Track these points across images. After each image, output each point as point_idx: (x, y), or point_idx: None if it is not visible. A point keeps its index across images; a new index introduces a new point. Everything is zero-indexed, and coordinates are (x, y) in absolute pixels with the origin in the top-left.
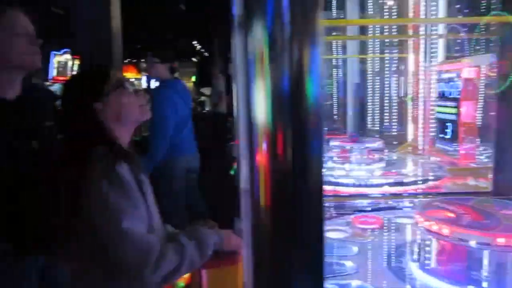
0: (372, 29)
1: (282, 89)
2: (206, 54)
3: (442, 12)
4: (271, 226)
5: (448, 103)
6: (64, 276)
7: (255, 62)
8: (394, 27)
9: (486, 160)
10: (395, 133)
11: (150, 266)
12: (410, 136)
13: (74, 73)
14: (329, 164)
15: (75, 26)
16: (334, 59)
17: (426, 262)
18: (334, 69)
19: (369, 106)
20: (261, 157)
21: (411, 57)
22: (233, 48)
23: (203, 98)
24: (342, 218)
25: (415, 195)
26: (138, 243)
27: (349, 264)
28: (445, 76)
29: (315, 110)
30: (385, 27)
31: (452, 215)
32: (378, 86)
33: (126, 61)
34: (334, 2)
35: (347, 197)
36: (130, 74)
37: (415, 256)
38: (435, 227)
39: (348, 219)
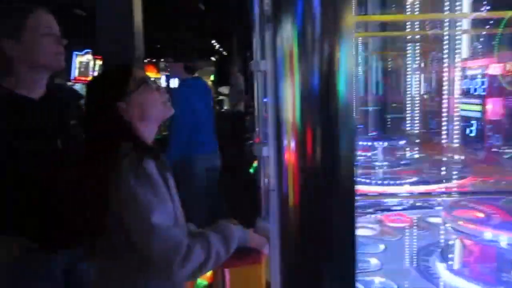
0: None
1: (311, 87)
2: (224, 53)
3: (466, 7)
4: (300, 226)
5: (473, 100)
6: (89, 273)
7: (284, 60)
8: (417, 23)
9: None
10: (418, 131)
11: (179, 260)
12: (433, 135)
13: (95, 73)
14: None
15: (97, 27)
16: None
17: (453, 262)
18: (354, 67)
19: (390, 104)
20: (290, 156)
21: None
22: (256, 45)
23: (221, 97)
24: (365, 217)
25: (441, 194)
26: (167, 237)
27: (374, 261)
28: (470, 73)
29: (346, 108)
30: (407, 23)
31: (481, 215)
32: (399, 84)
33: (145, 60)
34: None
35: (374, 196)
36: (150, 74)
37: (442, 256)
38: (463, 227)
39: (375, 217)
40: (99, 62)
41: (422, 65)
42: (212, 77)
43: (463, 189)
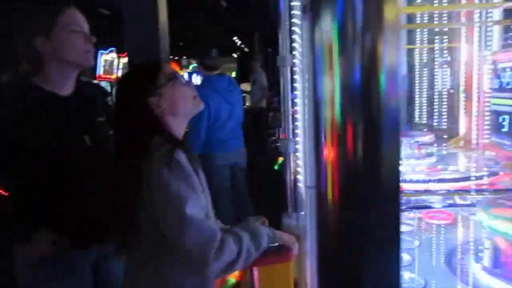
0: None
1: (352, 82)
2: (246, 49)
3: None
4: (339, 225)
5: (505, 94)
6: (117, 269)
7: (323, 54)
8: (445, 15)
9: None
10: (445, 127)
11: (213, 252)
12: (462, 130)
13: (120, 71)
14: None
15: (124, 25)
16: None
17: (487, 261)
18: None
19: (416, 99)
20: (329, 153)
21: (463, 47)
22: (282, 40)
23: (243, 94)
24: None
25: (474, 191)
26: (201, 229)
27: (406, 257)
28: (501, 65)
29: (389, 104)
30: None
31: None
32: (426, 78)
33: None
34: None
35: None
36: None
37: (476, 255)
38: (501, 226)
39: (411, 213)
40: (123, 60)
41: (449, 58)
42: (233, 74)
43: (495, 187)
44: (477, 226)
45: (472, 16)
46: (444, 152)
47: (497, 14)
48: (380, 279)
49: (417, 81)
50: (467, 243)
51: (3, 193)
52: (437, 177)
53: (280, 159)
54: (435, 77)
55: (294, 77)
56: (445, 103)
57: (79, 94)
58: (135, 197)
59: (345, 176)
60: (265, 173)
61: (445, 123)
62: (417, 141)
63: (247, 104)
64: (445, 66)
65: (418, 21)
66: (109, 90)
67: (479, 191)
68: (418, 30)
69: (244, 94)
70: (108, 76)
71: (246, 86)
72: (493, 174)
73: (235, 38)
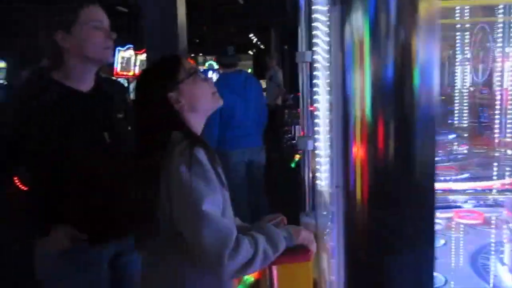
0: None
1: (384, 79)
2: (262, 46)
3: None
4: (369, 224)
5: None
6: (135, 264)
7: (353, 50)
8: (466, 9)
9: None
10: (466, 125)
11: (229, 251)
12: (483, 128)
13: (137, 68)
14: None
15: (143, 22)
16: None
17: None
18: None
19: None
20: (358, 152)
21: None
22: (301, 37)
23: None
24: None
25: (500, 191)
26: (217, 227)
27: None
28: None
29: (424, 102)
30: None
31: None
32: (446, 75)
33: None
34: None
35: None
36: None
37: (500, 255)
38: None
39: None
40: (140, 57)
41: (469, 55)
42: (249, 71)
43: None
44: (504, 227)
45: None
46: (465, 151)
47: None
48: (412, 281)
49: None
50: (493, 243)
51: (23, 187)
52: (459, 176)
53: (297, 157)
54: (456, 74)
55: (314, 73)
56: (466, 101)
57: (99, 90)
58: (153, 193)
59: (375, 175)
60: (281, 171)
61: (466, 122)
62: (438, 140)
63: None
64: (466, 63)
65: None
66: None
67: (502, 191)
68: None
69: None
70: (125, 73)
71: (261, 83)
72: None
73: (251, 35)
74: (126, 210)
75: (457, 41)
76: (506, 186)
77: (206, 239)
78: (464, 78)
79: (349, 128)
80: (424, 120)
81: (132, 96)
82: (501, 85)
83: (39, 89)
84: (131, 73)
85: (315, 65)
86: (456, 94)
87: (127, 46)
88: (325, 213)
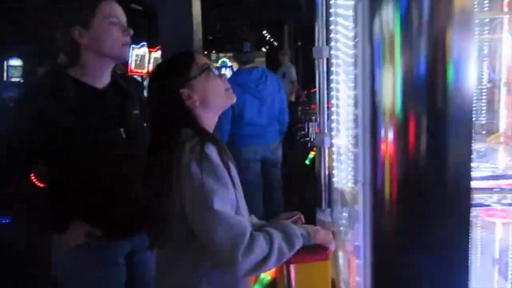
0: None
1: (417, 74)
2: (275, 43)
3: None
4: (398, 225)
5: None
6: (146, 263)
7: (383, 45)
8: (486, 3)
9: None
10: (484, 122)
11: (242, 249)
12: (502, 125)
13: (151, 65)
14: None
15: (158, 19)
16: None
17: None
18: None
19: None
20: (387, 148)
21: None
22: (318, 32)
23: None
24: None
25: None
26: (229, 225)
27: None
28: None
29: (458, 99)
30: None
31: None
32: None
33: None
34: None
35: None
36: None
37: None
38: None
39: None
40: (154, 55)
41: (486, 51)
42: None
43: None
44: None
45: None
46: (483, 148)
47: None
48: (445, 282)
49: None
50: None
51: (40, 184)
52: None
53: (312, 154)
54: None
55: (332, 69)
56: (484, 97)
57: (115, 87)
58: (165, 190)
59: (405, 172)
60: (295, 168)
61: (484, 118)
62: None
63: None
64: (485, 59)
65: None
66: None
67: None
68: None
69: None
70: (139, 71)
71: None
72: None
73: (264, 32)
74: (139, 207)
75: (476, 36)
76: None
77: (218, 237)
78: (481, 75)
79: (378, 124)
80: (458, 116)
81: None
82: None
83: (55, 85)
84: (145, 71)
85: (333, 60)
86: (474, 91)
87: (141, 43)
88: (344, 213)
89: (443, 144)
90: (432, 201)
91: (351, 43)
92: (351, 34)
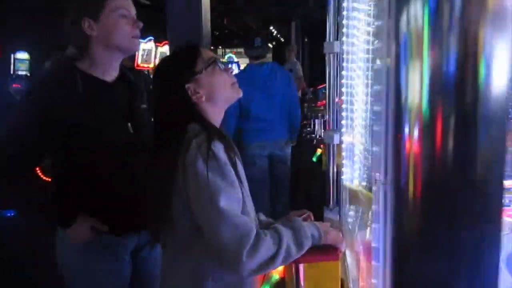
0: None
1: (446, 73)
2: (282, 39)
3: None
4: (422, 225)
5: None
6: (151, 260)
7: (410, 41)
8: None
9: None
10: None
11: (248, 248)
12: None
13: (158, 60)
14: None
15: (167, 14)
16: None
17: None
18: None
19: None
20: (412, 148)
21: None
22: (329, 27)
23: None
24: None
25: None
26: (235, 224)
27: None
28: None
29: (489, 98)
30: None
31: None
32: None
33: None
34: None
35: None
36: None
37: None
38: None
39: None
40: (161, 50)
41: None
42: None
43: None
44: None
45: None
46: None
47: None
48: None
49: None
50: None
51: (46, 178)
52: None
53: (319, 151)
54: None
55: (344, 65)
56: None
57: (123, 80)
58: (171, 186)
59: (430, 171)
60: (301, 165)
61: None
62: None
63: None
64: None
65: None
66: None
67: None
68: None
69: None
70: (146, 65)
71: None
72: None
73: (271, 27)
74: (145, 202)
75: None
76: None
77: (223, 237)
78: None
79: (402, 123)
80: (489, 115)
81: None
82: None
83: (64, 78)
84: (151, 66)
85: (344, 56)
86: None
87: (148, 38)
88: (351, 211)
89: (472, 144)
90: (459, 201)
91: (368, 38)
92: (368, 29)
